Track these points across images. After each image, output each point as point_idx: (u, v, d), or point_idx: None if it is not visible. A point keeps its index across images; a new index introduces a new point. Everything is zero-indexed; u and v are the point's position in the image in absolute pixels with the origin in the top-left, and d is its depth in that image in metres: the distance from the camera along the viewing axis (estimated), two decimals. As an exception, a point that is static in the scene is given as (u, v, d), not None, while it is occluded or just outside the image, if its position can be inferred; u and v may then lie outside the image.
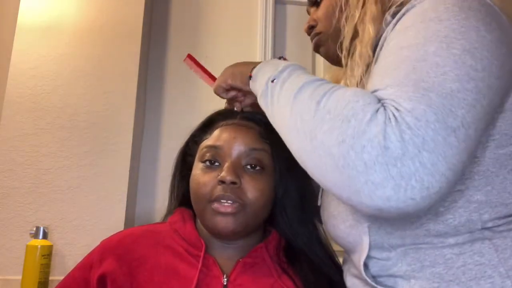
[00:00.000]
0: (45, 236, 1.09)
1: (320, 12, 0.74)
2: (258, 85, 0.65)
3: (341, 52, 0.67)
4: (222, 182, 0.68)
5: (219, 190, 0.68)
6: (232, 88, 0.75)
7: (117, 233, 0.77)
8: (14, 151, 1.22)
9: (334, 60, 0.74)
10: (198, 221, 0.75)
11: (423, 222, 0.53)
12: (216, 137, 0.74)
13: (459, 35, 0.49)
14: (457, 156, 0.44)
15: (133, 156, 1.31)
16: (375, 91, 0.50)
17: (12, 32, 1.30)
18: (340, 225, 0.62)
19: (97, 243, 0.75)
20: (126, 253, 0.70)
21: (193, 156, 0.77)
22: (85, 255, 0.75)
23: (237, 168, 0.70)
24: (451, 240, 0.52)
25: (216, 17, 1.59)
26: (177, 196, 0.81)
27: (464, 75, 0.47)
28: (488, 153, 0.52)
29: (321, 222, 0.74)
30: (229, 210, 0.67)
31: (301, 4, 1.63)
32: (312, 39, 0.77)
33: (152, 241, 0.73)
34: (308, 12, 0.79)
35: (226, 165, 0.70)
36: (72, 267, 0.75)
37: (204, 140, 0.76)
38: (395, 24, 0.57)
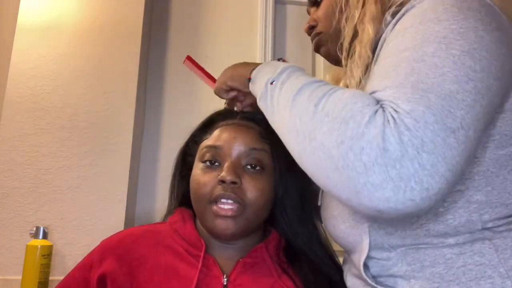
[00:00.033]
0: (45, 236, 1.09)
1: (320, 12, 0.74)
2: (257, 87, 0.65)
3: (341, 53, 0.67)
4: (222, 182, 0.68)
5: (219, 189, 0.68)
6: (232, 88, 0.75)
7: (117, 233, 0.77)
8: (14, 151, 1.22)
9: (335, 60, 0.74)
10: (198, 221, 0.75)
11: (423, 222, 0.53)
12: (216, 137, 0.74)
13: (458, 36, 0.49)
14: (456, 157, 0.44)
15: (133, 156, 1.31)
16: (373, 92, 0.50)
17: (12, 32, 1.30)
18: (340, 225, 0.62)
19: (97, 243, 0.75)
20: (126, 253, 0.70)
21: (193, 156, 0.77)
22: (85, 255, 0.75)
23: (237, 168, 0.70)
24: (451, 240, 0.52)
25: (216, 17, 1.59)
26: (177, 196, 0.81)
27: (463, 76, 0.47)
28: (488, 153, 0.52)
29: (321, 222, 0.74)
30: (229, 213, 0.67)
31: (301, 4, 1.63)
32: (312, 39, 0.77)
33: (152, 241, 0.73)
34: (308, 12, 0.79)
35: (226, 165, 0.70)
36: (72, 267, 0.75)
37: (204, 140, 0.76)
38: (395, 24, 0.57)
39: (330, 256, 0.77)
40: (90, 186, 1.24)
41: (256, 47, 1.56)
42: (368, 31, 0.62)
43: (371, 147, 0.43)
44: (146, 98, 1.48)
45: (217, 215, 0.68)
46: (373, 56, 0.61)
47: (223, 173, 0.68)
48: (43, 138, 1.24)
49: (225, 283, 0.68)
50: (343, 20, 0.67)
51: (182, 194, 0.80)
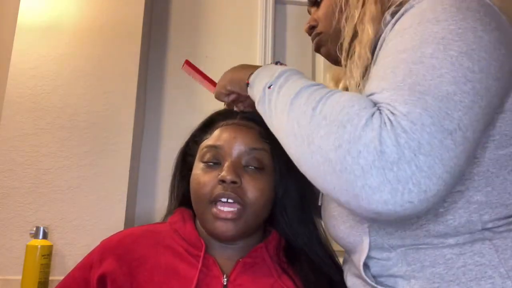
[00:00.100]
0: (45, 236, 1.09)
1: (320, 12, 0.74)
2: (255, 92, 0.65)
3: (341, 53, 0.67)
4: (222, 181, 0.68)
5: (219, 189, 0.68)
6: (232, 92, 0.75)
7: (117, 233, 0.77)
8: (14, 151, 1.22)
9: (335, 60, 0.74)
10: (198, 221, 0.75)
11: (423, 222, 0.53)
12: (216, 137, 0.74)
13: (456, 37, 0.49)
14: (454, 158, 0.44)
15: (133, 156, 1.31)
16: (371, 94, 0.50)
17: (12, 32, 1.30)
18: (340, 226, 0.62)
19: (97, 243, 0.75)
20: (126, 253, 0.70)
21: (194, 156, 0.77)
22: (85, 255, 0.75)
23: (238, 168, 0.70)
24: (451, 241, 0.52)
25: (216, 17, 1.59)
26: (177, 196, 0.81)
27: (461, 77, 0.46)
28: (488, 153, 0.52)
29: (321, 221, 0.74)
30: (229, 216, 0.68)
31: (301, 4, 1.63)
32: (313, 39, 0.77)
33: (152, 241, 0.73)
34: (309, 12, 0.79)
35: (227, 164, 0.70)
36: (72, 267, 0.75)
37: (204, 140, 0.76)
38: (394, 24, 0.57)
39: (330, 256, 0.77)
40: (90, 186, 1.24)
41: (256, 47, 1.56)
42: (367, 31, 0.62)
43: (368, 150, 0.43)
44: (146, 98, 1.48)
45: (217, 217, 0.68)
46: (373, 57, 0.61)
47: (223, 173, 0.68)
48: (43, 138, 1.24)
49: (225, 283, 0.68)
50: (343, 20, 0.67)
51: (182, 194, 0.80)
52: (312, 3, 0.77)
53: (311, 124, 0.50)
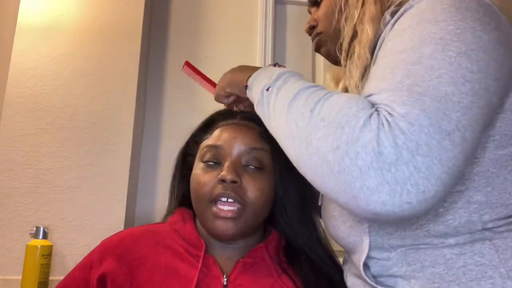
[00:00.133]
0: (45, 236, 1.09)
1: (320, 12, 0.74)
2: (254, 94, 0.65)
3: (340, 53, 0.67)
4: (222, 181, 0.68)
5: (219, 189, 0.68)
6: (231, 94, 0.76)
7: (117, 233, 0.77)
8: (14, 151, 1.22)
9: (335, 60, 0.74)
10: (198, 221, 0.75)
11: (423, 222, 0.53)
12: (216, 136, 0.74)
13: (455, 37, 0.49)
14: (453, 159, 0.44)
15: (133, 156, 1.31)
16: (370, 95, 0.50)
17: (12, 32, 1.30)
18: (340, 226, 0.62)
19: (97, 243, 0.75)
20: (126, 253, 0.70)
21: (194, 156, 0.77)
22: (85, 255, 0.75)
23: (238, 167, 0.70)
24: (451, 241, 0.52)
25: (216, 17, 1.59)
26: (177, 197, 0.81)
27: (460, 78, 0.46)
28: (488, 153, 0.52)
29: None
30: (229, 215, 0.68)
31: (301, 4, 1.63)
32: (313, 39, 0.77)
33: (152, 241, 0.73)
34: (310, 12, 0.79)
35: (227, 164, 0.70)
36: (72, 267, 0.75)
37: (204, 140, 0.76)
38: (393, 24, 0.57)
39: (330, 256, 0.77)
40: (90, 186, 1.24)
41: (256, 47, 1.56)
42: (367, 31, 0.62)
43: (366, 151, 0.43)
44: (146, 98, 1.48)
45: (217, 217, 0.68)
46: (372, 57, 0.61)
47: (224, 172, 0.68)
48: (43, 138, 1.24)
49: (225, 283, 0.68)
50: (343, 20, 0.67)
51: (182, 194, 0.80)
52: (312, 3, 0.77)
53: (309, 125, 0.50)
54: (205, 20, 1.58)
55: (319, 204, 0.73)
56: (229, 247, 0.73)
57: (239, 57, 1.52)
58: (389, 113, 0.45)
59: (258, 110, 0.63)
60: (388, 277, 0.56)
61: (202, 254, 0.70)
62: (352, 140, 0.45)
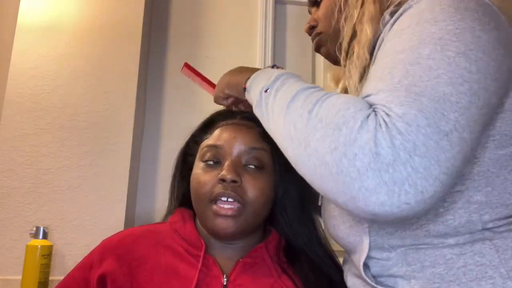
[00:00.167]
0: (45, 236, 1.09)
1: (320, 12, 0.74)
2: (252, 96, 0.65)
3: (340, 53, 0.67)
4: (222, 180, 0.68)
5: (219, 188, 0.68)
6: (230, 96, 0.76)
7: (117, 233, 0.77)
8: (14, 151, 1.22)
9: (335, 60, 0.74)
10: (198, 221, 0.75)
11: (423, 222, 0.53)
12: (216, 136, 0.74)
13: (454, 37, 0.49)
14: (451, 159, 0.44)
15: (133, 156, 1.31)
16: (367, 96, 0.50)
17: (12, 32, 1.30)
18: (340, 226, 0.62)
19: (97, 243, 0.75)
20: (126, 253, 0.70)
21: (194, 156, 0.77)
22: (85, 255, 0.75)
23: (238, 167, 0.70)
24: (451, 241, 0.52)
25: (216, 17, 1.59)
26: (177, 197, 0.81)
27: (458, 78, 0.46)
28: (488, 153, 0.52)
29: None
30: (229, 213, 0.68)
31: (301, 4, 1.63)
32: (312, 40, 0.77)
33: (152, 241, 0.73)
34: (310, 12, 0.79)
35: (227, 163, 0.70)
36: (72, 267, 0.75)
37: (204, 140, 0.76)
38: (393, 24, 0.57)
39: (330, 256, 0.77)
40: (90, 186, 1.24)
41: (256, 47, 1.56)
42: (366, 31, 0.62)
43: (363, 152, 0.44)
44: (146, 98, 1.48)
45: (217, 214, 0.68)
46: (372, 57, 0.61)
47: (224, 172, 0.68)
48: (43, 138, 1.24)
49: (225, 283, 0.68)
50: (342, 20, 0.67)
51: (182, 194, 0.80)
52: (312, 3, 0.77)
53: (307, 127, 0.50)
54: (205, 20, 1.58)
55: (319, 204, 0.73)
56: (229, 247, 0.73)
57: (239, 57, 1.52)
58: (387, 114, 0.45)
59: (257, 112, 0.63)
60: (388, 277, 0.56)
61: (202, 254, 0.70)
62: (349, 141, 0.45)
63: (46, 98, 1.27)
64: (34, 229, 1.09)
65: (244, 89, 0.69)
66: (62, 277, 0.74)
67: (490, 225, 0.51)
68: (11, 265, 1.15)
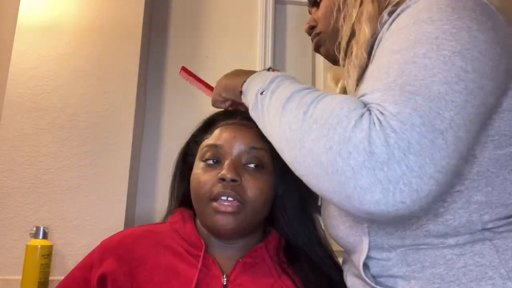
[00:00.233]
0: (45, 236, 1.09)
1: (320, 12, 0.74)
2: (249, 99, 0.66)
3: (339, 53, 0.67)
4: (222, 180, 0.68)
5: (219, 187, 0.68)
6: (227, 99, 0.76)
7: (117, 233, 0.77)
8: (14, 151, 1.22)
9: (334, 60, 0.74)
10: (198, 221, 0.75)
11: (422, 223, 0.53)
12: (216, 136, 0.74)
13: (450, 36, 0.49)
14: (446, 158, 0.44)
15: (133, 156, 1.31)
16: (363, 95, 0.50)
17: (12, 32, 1.30)
18: (340, 226, 0.62)
19: (97, 243, 0.75)
20: (126, 253, 0.70)
21: (194, 156, 0.77)
22: (85, 255, 0.75)
23: (238, 166, 0.70)
24: (451, 241, 0.52)
25: (216, 17, 1.59)
26: (177, 197, 0.81)
27: (453, 77, 0.46)
28: (487, 153, 0.52)
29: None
30: (229, 209, 0.68)
31: (301, 4, 1.63)
32: (312, 39, 0.77)
33: (152, 241, 0.73)
34: (310, 12, 0.79)
35: (227, 163, 0.70)
36: (72, 267, 0.75)
37: (204, 139, 0.76)
38: (391, 24, 0.57)
39: (330, 256, 0.77)
40: (90, 186, 1.24)
41: (256, 47, 1.56)
42: (364, 31, 0.62)
43: (358, 151, 0.44)
44: (146, 98, 1.48)
45: (217, 211, 0.68)
46: (370, 56, 0.61)
47: (223, 171, 0.69)
48: (43, 138, 1.24)
49: (225, 283, 0.68)
50: (341, 20, 0.67)
51: (182, 194, 0.80)
52: (312, 3, 0.77)
53: (302, 128, 0.50)
54: (205, 20, 1.58)
55: (319, 204, 0.74)
56: (229, 246, 0.73)
57: (239, 57, 1.53)
58: (381, 112, 0.45)
59: (253, 114, 0.63)
60: (388, 277, 0.56)
61: (202, 254, 0.70)
62: (344, 140, 0.45)
63: (46, 98, 1.27)
64: (34, 229, 1.09)
65: (241, 92, 0.69)
66: (62, 277, 0.74)
67: (490, 225, 0.51)
68: (11, 265, 1.15)
